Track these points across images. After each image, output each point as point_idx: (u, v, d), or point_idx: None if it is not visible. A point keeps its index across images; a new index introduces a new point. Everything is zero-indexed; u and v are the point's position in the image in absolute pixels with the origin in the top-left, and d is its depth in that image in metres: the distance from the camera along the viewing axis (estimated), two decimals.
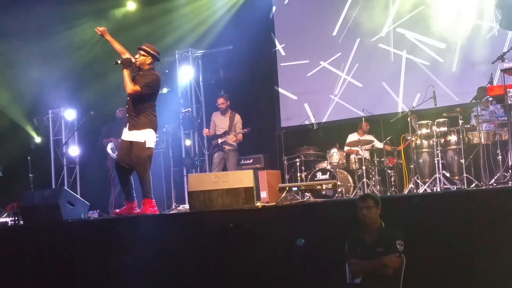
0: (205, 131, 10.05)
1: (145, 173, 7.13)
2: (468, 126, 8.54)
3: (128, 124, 7.20)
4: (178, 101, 11.52)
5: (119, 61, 7.17)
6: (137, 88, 7.05)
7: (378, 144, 9.84)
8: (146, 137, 7.09)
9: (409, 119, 8.91)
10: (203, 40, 11.73)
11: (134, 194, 7.37)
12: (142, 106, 7.16)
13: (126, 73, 7.07)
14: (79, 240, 7.09)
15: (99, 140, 10.38)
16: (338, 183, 9.25)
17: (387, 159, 9.46)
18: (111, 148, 10.12)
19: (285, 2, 11.73)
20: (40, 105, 11.74)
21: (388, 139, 9.47)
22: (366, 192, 9.02)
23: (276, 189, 7.61)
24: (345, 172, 9.70)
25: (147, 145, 7.10)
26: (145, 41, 11.48)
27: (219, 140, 9.63)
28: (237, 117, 9.82)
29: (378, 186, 9.36)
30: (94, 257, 6.94)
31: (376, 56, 10.85)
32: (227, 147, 9.66)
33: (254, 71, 11.73)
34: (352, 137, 10.19)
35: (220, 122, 9.75)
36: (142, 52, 7.26)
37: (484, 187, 7.57)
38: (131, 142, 7.14)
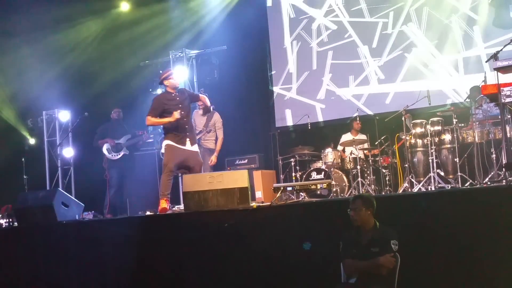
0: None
1: None
2: (462, 125, 8.56)
3: (188, 140, 7.73)
4: None
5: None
6: None
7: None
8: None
9: (403, 118, 8.92)
10: (197, 41, 11.72)
11: None
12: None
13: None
14: (74, 241, 7.09)
15: (94, 141, 10.37)
16: (333, 182, 9.26)
17: (381, 158, 9.47)
18: (106, 149, 10.10)
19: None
20: (34, 107, 11.69)
21: (382, 138, 9.47)
22: (361, 191, 9.03)
23: (271, 189, 7.60)
24: (340, 172, 9.70)
25: None
26: (140, 42, 11.59)
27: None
28: (216, 116, 9.50)
29: (373, 186, 9.36)
30: (89, 258, 6.93)
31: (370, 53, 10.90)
32: (203, 147, 9.34)
33: (249, 71, 11.73)
34: (346, 137, 10.20)
35: (199, 121, 9.56)
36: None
37: (478, 186, 7.59)
38: (190, 152, 7.74)
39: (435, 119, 8.66)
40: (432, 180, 8.30)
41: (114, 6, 12.10)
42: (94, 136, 10.42)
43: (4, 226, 9.04)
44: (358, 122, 10.10)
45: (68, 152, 11.20)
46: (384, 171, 9.48)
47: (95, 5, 11.75)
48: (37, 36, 11.27)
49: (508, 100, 6.53)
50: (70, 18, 11.60)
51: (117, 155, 10.07)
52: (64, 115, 11.33)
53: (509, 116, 7.07)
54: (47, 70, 11.45)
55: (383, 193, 9.08)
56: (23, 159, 10.78)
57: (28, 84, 11.42)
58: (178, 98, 7.72)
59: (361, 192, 8.83)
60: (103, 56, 11.68)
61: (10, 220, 8.99)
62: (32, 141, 11.85)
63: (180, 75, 11.10)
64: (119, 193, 10.11)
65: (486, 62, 7.01)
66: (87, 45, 11.96)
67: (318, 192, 8.69)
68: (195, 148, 7.80)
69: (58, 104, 11.45)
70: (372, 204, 5.11)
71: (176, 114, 7.49)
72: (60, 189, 8.98)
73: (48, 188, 10.97)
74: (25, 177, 10.63)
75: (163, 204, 7.52)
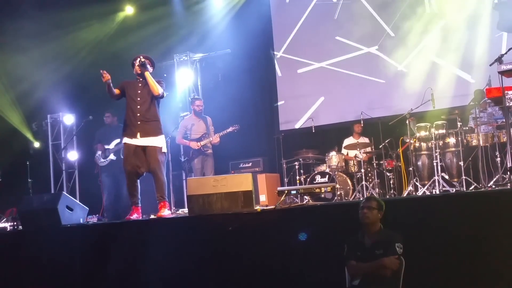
0: (194, 144, 9.36)
1: (164, 177, 7.35)
2: (467, 128, 8.55)
3: (138, 132, 7.28)
4: (176, 105, 11.51)
5: (138, 67, 7.35)
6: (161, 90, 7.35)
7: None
8: (163, 143, 7.41)
9: (407, 122, 8.92)
10: (201, 44, 11.74)
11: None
12: (157, 112, 7.47)
13: (149, 75, 7.33)
14: (78, 245, 7.09)
15: (93, 145, 10.39)
16: (337, 186, 9.26)
17: (386, 161, 9.46)
18: (96, 155, 10.12)
19: (286, 2, 11.79)
20: (38, 110, 11.73)
21: (386, 141, 9.46)
22: (365, 195, 9.01)
23: (275, 192, 7.61)
24: (344, 175, 9.69)
25: (163, 150, 7.40)
26: (144, 45, 11.61)
27: (201, 144, 9.38)
28: (209, 120, 9.52)
29: (377, 189, 9.35)
30: (93, 262, 6.93)
31: (373, 58, 10.88)
32: (208, 151, 9.38)
33: (253, 74, 11.72)
34: (348, 140, 10.20)
35: (198, 125, 9.47)
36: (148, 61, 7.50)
37: (483, 189, 7.58)
38: (144, 147, 7.29)
39: (439, 122, 8.65)
40: (437, 184, 8.29)
41: (118, 10, 12.12)
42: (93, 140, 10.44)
43: (8, 229, 9.06)
44: (357, 125, 10.11)
45: (73, 155, 11.23)
46: (388, 174, 9.48)
47: (100, 9, 11.76)
48: (42, 39, 11.29)
49: None
50: (75, 22, 11.61)
51: (105, 161, 10.02)
52: (68, 119, 11.36)
53: None
54: (52, 74, 11.47)
55: (388, 197, 9.08)
56: (27, 163, 10.81)
57: (32, 87, 11.44)
58: (140, 85, 7.43)
59: (365, 196, 8.81)
60: (108, 60, 11.69)
61: (15, 223, 9.01)
62: (36, 144, 11.89)
63: (183, 78, 11.17)
64: (114, 198, 10.00)
65: (490, 65, 6.98)
66: (92, 48, 11.96)
67: (322, 195, 8.72)
68: (148, 141, 7.29)
69: (62, 107, 11.49)
70: (383, 208, 5.17)
71: (104, 75, 7.13)
72: (64, 192, 9.00)
73: (52, 191, 10.99)
74: (29, 180, 10.65)
75: (133, 213, 7.32)
